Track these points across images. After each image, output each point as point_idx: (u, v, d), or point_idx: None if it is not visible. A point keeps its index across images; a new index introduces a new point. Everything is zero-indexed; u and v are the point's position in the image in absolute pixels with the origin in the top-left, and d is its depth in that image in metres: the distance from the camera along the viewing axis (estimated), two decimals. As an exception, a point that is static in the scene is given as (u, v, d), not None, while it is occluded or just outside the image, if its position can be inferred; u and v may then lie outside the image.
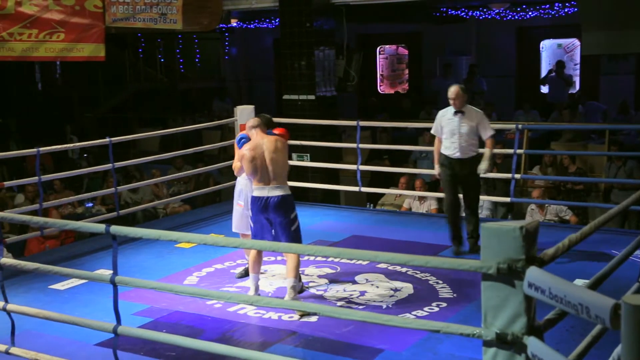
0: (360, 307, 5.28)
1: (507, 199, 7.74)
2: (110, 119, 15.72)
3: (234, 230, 5.86)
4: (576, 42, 13.85)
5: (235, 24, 15.69)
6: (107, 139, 7.34)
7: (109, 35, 8.47)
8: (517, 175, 7.62)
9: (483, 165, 6.20)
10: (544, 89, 13.93)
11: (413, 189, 9.02)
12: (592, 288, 3.08)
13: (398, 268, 6.08)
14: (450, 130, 6.31)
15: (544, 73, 14.21)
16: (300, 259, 5.86)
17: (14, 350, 4.22)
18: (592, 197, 9.22)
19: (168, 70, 16.81)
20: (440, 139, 6.45)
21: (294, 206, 5.35)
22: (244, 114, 8.60)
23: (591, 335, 3.21)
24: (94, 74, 15.62)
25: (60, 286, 5.90)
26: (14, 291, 5.51)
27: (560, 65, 13.33)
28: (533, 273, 2.59)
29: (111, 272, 3.79)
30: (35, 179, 6.97)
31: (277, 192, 5.25)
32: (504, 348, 2.73)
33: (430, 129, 10.51)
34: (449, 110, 6.33)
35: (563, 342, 4.10)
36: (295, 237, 5.30)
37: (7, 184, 8.00)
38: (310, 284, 5.78)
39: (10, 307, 4.24)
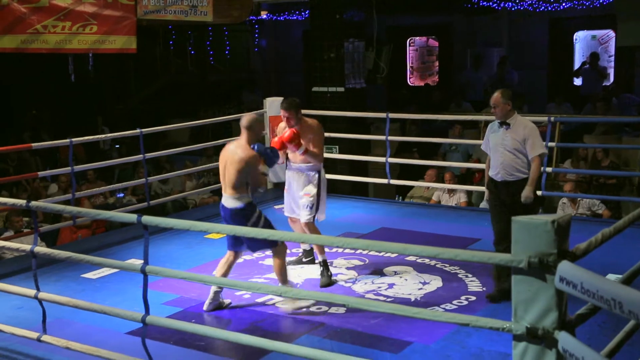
0: (389, 299, 5.27)
1: (539, 193, 7.64)
2: (141, 110, 15.85)
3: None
4: (611, 33, 13.59)
5: (265, 16, 15.70)
6: (138, 130, 7.41)
7: (140, 27, 8.53)
8: (549, 169, 7.52)
9: (525, 192, 5.13)
10: (577, 82, 13.70)
11: (442, 181, 8.95)
12: (625, 283, 3.03)
13: (427, 261, 6.05)
14: (494, 146, 5.31)
15: (577, 65, 13.98)
16: (327, 250, 5.86)
17: (45, 338, 4.28)
18: (625, 191, 9.06)
19: (198, 62, 16.88)
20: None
21: (249, 215, 5.02)
22: (273, 105, 8.62)
23: (624, 331, 3.16)
24: (125, 66, 15.76)
25: (91, 275, 5.97)
26: (47, 280, 5.60)
27: (594, 57, 13.09)
28: (565, 267, 2.55)
29: (142, 261, 3.83)
30: (68, 169, 7.06)
31: (228, 204, 5.06)
32: (535, 343, 2.69)
33: (459, 121, 10.51)
34: (496, 122, 5.34)
35: (594, 337, 4.04)
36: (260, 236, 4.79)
37: (40, 174, 8.14)
38: (339, 276, 5.78)
39: (42, 295, 4.30)
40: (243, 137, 5.12)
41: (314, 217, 5.73)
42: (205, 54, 16.89)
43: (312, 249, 6.02)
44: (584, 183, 8.97)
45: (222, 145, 10.40)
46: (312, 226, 5.73)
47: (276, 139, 5.67)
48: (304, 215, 5.70)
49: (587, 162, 9.51)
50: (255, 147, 5.12)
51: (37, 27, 7.66)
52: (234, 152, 5.09)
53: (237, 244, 5.17)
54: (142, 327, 3.94)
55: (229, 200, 5.04)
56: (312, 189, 5.71)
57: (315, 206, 5.71)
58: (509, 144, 5.17)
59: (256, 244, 5.08)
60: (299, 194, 5.76)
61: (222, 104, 15.23)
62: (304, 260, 6.12)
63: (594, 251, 2.76)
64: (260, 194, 5.42)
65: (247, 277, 5.80)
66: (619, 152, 9.62)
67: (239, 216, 5.01)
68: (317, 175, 5.73)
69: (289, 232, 5.33)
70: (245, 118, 5.19)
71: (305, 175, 5.75)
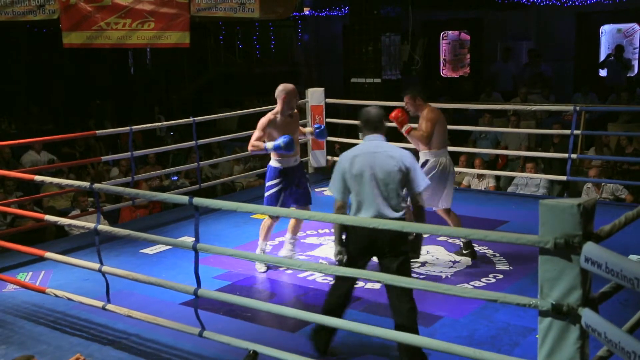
0: (421, 276, 5.24)
1: (564, 178, 7.50)
2: (193, 100, 15.99)
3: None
4: (636, 26, 13.22)
5: (307, 12, 15.66)
6: (191, 119, 7.47)
7: (193, 23, 8.58)
8: (574, 155, 7.37)
9: None
10: (603, 73, 13.38)
11: (472, 167, 8.85)
12: (647, 264, 2.96)
13: (457, 241, 5.99)
14: None
15: (602, 57, 13.65)
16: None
17: (109, 306, 4.38)
18: (648, 176, 8.84)
19: (245, 55, 16.93)
20: None
21: (270, 177, 5.46)
22: (315, 95, 8.61)
23: (645, 309, 3.09)
24: (179, 59, 15.89)
25: (148, 251, 6.07)
26: (108, 254, 5.71)
27: (619, 49, 12.77)
28: (590, 248, 2.51)
29: (193, 239, 3.87)
30: (127, 154, 7.17)
31: None
32: (559, 318, 2.65)
33: (490, 111, 10.36)
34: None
35: (616, 314, 3.95)
36: (266, 202, 5.41)
37: (103, 158, 8.28)
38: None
39: (105, 268, 4.39)
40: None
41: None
42: (252, 47, 16.93)
43: (469, 240, 5.60)
44: (607, 169, 8.77)
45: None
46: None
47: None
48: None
49: (611, 149, 9.30)
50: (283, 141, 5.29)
51: (101, 24, 7.77)
52: None
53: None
54: (195, 298, 3.99)
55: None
56: None
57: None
58: None
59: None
60: None
61: (267, 94, 15.24)
62: (464, 252, 5.68)
63: (616, 233, 2.70)
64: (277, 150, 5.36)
65: (290, 255, 5.82)
66: (642, 139, 9.37)
67: (267, 171, 5.49)
68: (422, 163, 5.46)
69: (314, 212, 5.30)
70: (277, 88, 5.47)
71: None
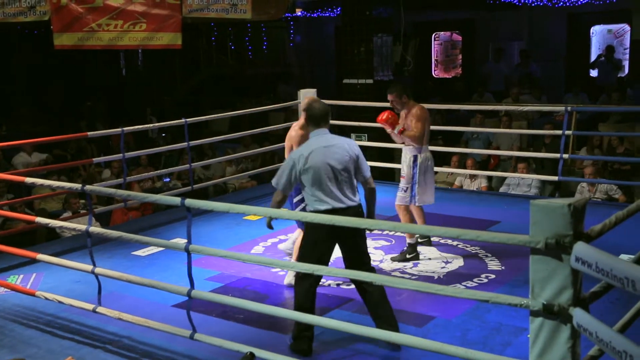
0: (414, 277, 5.25)
1: (555, 178, 7.53)
2: (185, 101, 15.96)
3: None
4: (626, 27, 13.28)
5: (299, 13, 15.66)
6: (183, 120, 7.46)
7: (185, 24, 8.56)
8: (565, 155, 7.40)
9: None
10: (593, 73, 13.44)
11: (464, 167, 8.87)
12: (637, 263, 2.97)
13: (449, 242, 6.01)
14: None
15: (593, 57, 13.71)
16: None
17: (100, 309, 4.36)
18: (638, 176, 8.88)
19: (238, 57, 16.91)
20: None
21: (296, 191, 5.10)
22: (307, 96, 8.60)
23: (635, 307, 3.11)
24: (171, 60, 15.86)
25: (141, 253, 6.05)
26: (101, 256, 5.69)
27: (610, 49, 12.84)
28: (580, 248, 2.51)
29: (186, 241, 3.86)
30: (119, 156, 7.15)
31: None
32: (551, 318, 2.66)
33: (482, 111, 10.38)
34: None
35: (607, 313, 3.97)
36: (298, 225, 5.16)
37: (95, 160, 8.25)
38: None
39: (98, 270, 4.37)
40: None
41: (407, 200, 5.56)
42: (244, 49, 16.91)
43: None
44: (599, 169, 8.81)
45: (260, 134, 10.47)
46: (401, 209, 5.60)
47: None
48: (397, 197, 5.62)
49: (602, 149, 9.34)
50: None
51: (92, 26, 7.75)
52: (290, 131, 5.25)
53: None
54: (188, 300, 3.98)
55: None
56: (406, 171, 5.57)
57: (409, 189, 5.53)
58: None
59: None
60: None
61: (259, 95, 15.26)
62: (419, 241, 5.80)
63: (607, 233, 2.71)
64: None
65: (282, 256, 5.82)
66: (633, 139, 9.42)
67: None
68: (413, 158, 5.54)
69: (306, 213, 5.25)
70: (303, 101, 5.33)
71: (405, 157, 5.62)
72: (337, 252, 5.76)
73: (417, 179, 5.55)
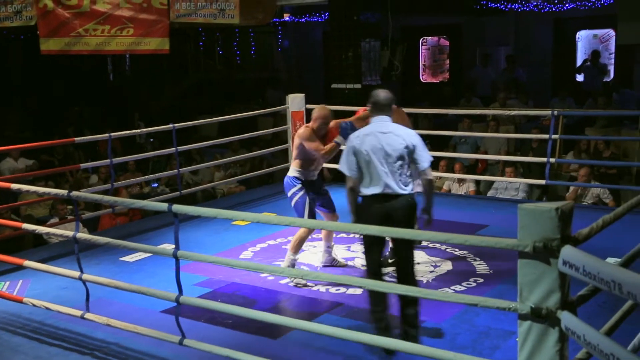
0: (402, 281, 5.25)
1: (543, 182, 7.58)
2: (173, 106, 15.92)
3: None
4: (611, 32, 13.41)
5: (287, 18, 15.68)
6: (171, 125, 7.44)
7: (173, 29, 8.54)
8: (552, 159, 7.44)
9: None
10: (580, 78, 13.54)
11: (452, 171, 8.90)
12: (624, 266, 2.99)
13: (438, 246, 6.02)
14: None
15: (579, 62, 13.82)
16: (345, 235, 5.86)
17: (88, 315, 4.33)
18: (624, 180, 8.96)
19: (226, 62, 16.91)
20: None
21: (289, 185, 5.34)
22: (295, 101, 8.61)
23: (622, 310, 3.13)
24: (159, 65, 15.82)
25: (129, 258, 6.02)
26: (88, 262, 5.66)
27: (595, 54, 12.94)
28: (568, 251, 2.53)
29: (174, 246, 3.85)
30: (107, 161, 7.12)
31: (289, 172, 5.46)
32: (539, 321, 2.67)
33: (469, 116, 10.43)
34: None
35: (595, 316, 3.98)
36: (297, 210, 5.32)
37: (82, 166, 8.21)
38: (356, 260, 5.78)
39: (85, 276, 4.35)
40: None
41: None
42: (232, 54, 16.91)
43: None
44: (583, 177, 8.86)
45: (248, 139, 10.47)
46: None
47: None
48: None
49: (589, 153, 9.41)
50: (342, 123, 5.19)
51: (79, 31, 7.72)
52: (299, 129, 5.43)
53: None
54: (176, 306, 3.97)
55: (289, 169, 5.43)
56: None
57: None
58: None
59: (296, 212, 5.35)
60: None
61: (247, 100, 15.25)
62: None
63: (595, 236, 2.73)
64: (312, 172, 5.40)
65: (271, 261, 5.82)
66: (619, 143, 9.50)
67: (285, 184, 5.37)
68: None
69: (318, 221, 5.27)
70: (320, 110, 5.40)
71: None
72: (340, 253, 5.77)
73: None
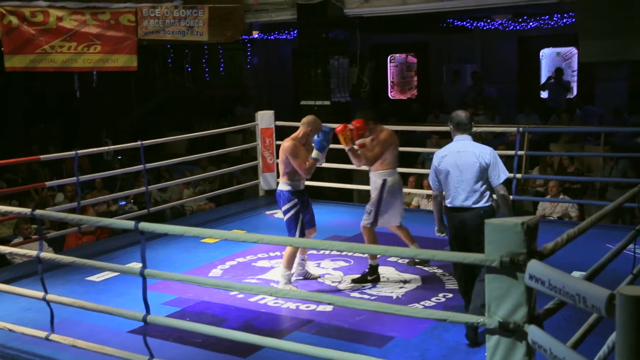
0: (372, 297, 5.26)
1: (509, 197, 7.66)
2: (141, 123, 15.78)
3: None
4: (574, 50, 13.72)
5: (256, 35, 15.71)
6: (139, 142, 7.37)
7: (140, 46, 8.51)
8: (519, 175, 7.55)
9: None
10: (544, 95, 13.81)
11: (421, 187, 8.97)
12: (588, 280, 3.04)
13: (407, 261, 6.04)
14: None
15: (543, 79, 14.10)
16: (317, 252, 5.87)
17: (53, 337, 4.24)
18: (588, 195, 9.13)
19: (195, 79, 16.84)
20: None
21: (285, 200, 5.40)
22: (265, 118, 8.61)
23: (587, 323, 3.17)
24: (127, 82, 15.69)
25: (95, 278, 5.92)
26: (53, 282, 5.54)
27: (559, 72, 13.23)
28: (534, 266, 2.56)
29: (141, 265, 3.80)
30: (73, 179, 7.01)
31: (279, 186, 5.52)
32: (506, 336, 2.70)
33: (437, 132, 10.54)
34: None
35: (561, 330, 4.04)
36: (288, 226, 5.40)
37: (48, 184, 8.07)
38: (326, 276, 5.77)
39: (49, 297, 4.26)
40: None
41: (371, 222, 5.58)
42: (201, 70, 16.86)
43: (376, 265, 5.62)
44: (553, 188, 9.01)
45: (217, 156, 10.41)
46: (366, 231, 5.60)
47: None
48: (362, 218, 5.65)
49: (553, 168, 9.57)
50: (317, 135, 5.37)
51: (45, 48, 7.65)
52: (283, 143, 5.46)
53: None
54: (143, 325, 3.91)
55: (279, 184, 5.50)
56: (373, 195, 5.63)
57: (373, 212, 5.56)
58: None
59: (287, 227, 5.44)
60: None
61: (216, 117, 15.20)
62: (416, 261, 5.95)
63: (560, 250, 2.77)
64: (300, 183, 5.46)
65: (241, 279, 5.78)
66: (582, 159, 9.69)
67: (279, 197, 5.45)
68: (380, 182, 5.58)
69: (285, 237, 5.26)
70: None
71: (375, 182, 5.65)
72: (318, 270, 5.75)
73: (382, 202, 5.60)
